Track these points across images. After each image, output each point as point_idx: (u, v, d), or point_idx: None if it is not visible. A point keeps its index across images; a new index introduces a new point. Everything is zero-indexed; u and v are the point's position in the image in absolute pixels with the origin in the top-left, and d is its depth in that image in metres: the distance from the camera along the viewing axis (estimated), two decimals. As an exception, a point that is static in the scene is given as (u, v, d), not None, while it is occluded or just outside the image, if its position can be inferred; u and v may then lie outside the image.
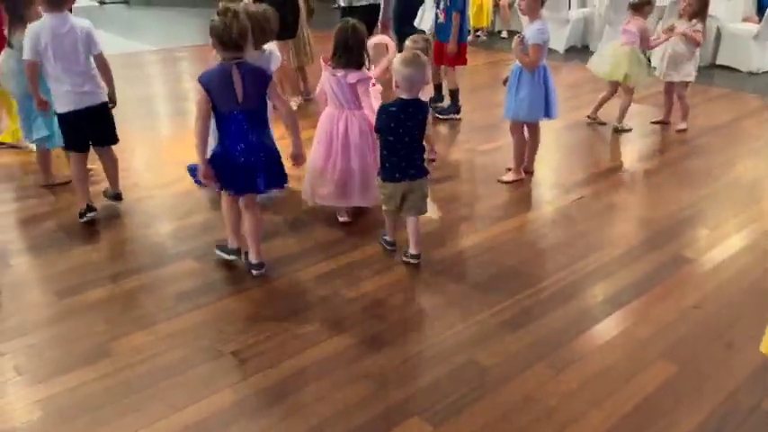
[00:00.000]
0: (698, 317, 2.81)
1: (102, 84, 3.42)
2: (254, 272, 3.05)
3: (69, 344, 2.56)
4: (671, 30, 5.08)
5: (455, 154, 4.82)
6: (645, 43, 5.07)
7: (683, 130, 5.19)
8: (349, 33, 3.28)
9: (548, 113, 4.07)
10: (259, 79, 2.80)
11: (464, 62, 5.44)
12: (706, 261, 3.30)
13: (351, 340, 2.61)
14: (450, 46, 5.23)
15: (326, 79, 3.40)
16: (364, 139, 3.42)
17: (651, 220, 3.76)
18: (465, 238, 3.49)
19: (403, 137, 3.01)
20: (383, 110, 3.05)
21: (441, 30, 5.31)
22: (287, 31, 4.95)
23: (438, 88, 5.69)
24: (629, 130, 5.25)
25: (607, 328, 2.73)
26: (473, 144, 4.93)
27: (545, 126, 4.33)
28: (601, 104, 5.37)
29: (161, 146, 4.18)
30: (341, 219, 3.59)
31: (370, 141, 3.42)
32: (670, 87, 5.24)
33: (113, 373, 2.39)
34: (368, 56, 3.41)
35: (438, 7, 5.29)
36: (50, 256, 3.22)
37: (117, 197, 3.72)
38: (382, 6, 6.06)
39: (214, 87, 2.74)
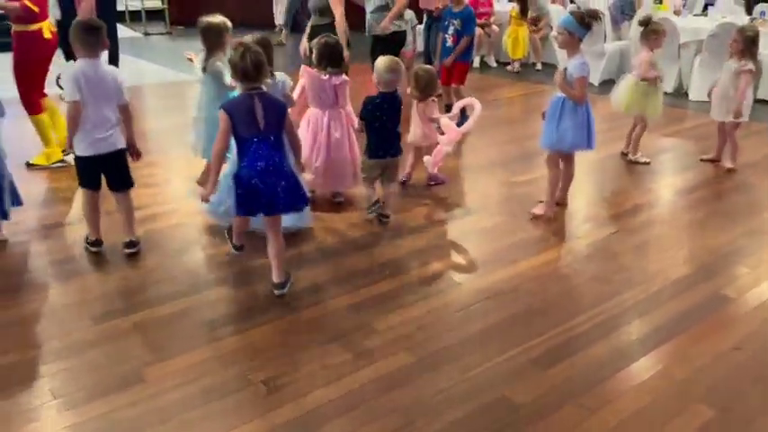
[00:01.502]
0: (738, 359, 2.73)
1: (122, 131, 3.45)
2: (276, 292, 3.12)
3: (104, 369, 2.60)
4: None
5: (488, 185, 4.82)
6: (642, 72, 5.03)
7: (732, 170, 5.07)
8: (332, 44, 3.94)
9: (589, 144, 4.06)
10: (277, 110, 2.98)
11: (462, 81, 5.79)
12: (747, 300, 3.20)
13: (380, 372, 2.59)
14: (447, 60, 5.62)
15: (311, 82, 3.98)
16: (344, 134, 4.05)
17: (689, 257, 3.68)
18: (497, 272, 3.46)
19: (386, 122, 3.81)
20: (369, 102, 3.81)
21: (448, 53, 5.64)
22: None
23: (449, 108, 5.79)
24: (647, 163, 5.18)
25: (643, 368, 2.67)
26: (507, 176, 4.92)
27: (580, 158, 4.30)
28: (630, 138, 5.34)
29: (198, 174, 4.28)
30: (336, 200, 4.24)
31: (347, 136, 4.08)
32: (722, 126, 5.11)
33: (146, 399, 2.42)
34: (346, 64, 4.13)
35: (446, 32, 5.58)
36: (87, 282, 3.30)
37: (131, 245, 3.51)
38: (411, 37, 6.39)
39: (237, 114, 2.88)
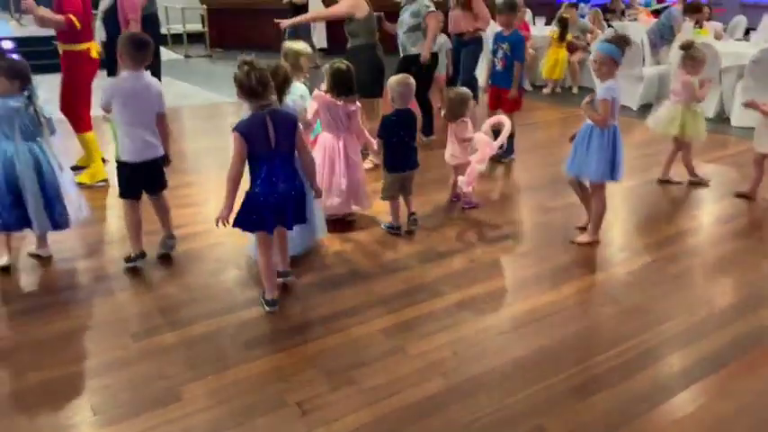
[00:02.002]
0: (785, 395, 2.64)
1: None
2: (280, 280, 3.38)
3: (142, 386, 2.64)
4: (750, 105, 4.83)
5: (522, 210, 4.78)
6: (691, 96, 4.95)
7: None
8: (344, 71, 3.98)
9: (612, 176, 3.96)
10: (288, 126, 3.03)
11: (519, 108, 5.69)
12: (793, 334, 3.10)
13: (415, 398, 2.58)
14: (512, 92, 5.45)
15: (325, 108, 4.05)
16: (357, 157, 4.22)
17: (731, 288, 3.59)
18: (533, 298, 3.42)
19: (403, 137, 4.03)
20: (386, 120, 4.03)
21: (498, 77, 5.54)
22: (363, 89, 5.05)
23: (497, 134, 5.75)
24: (707, 184, 5.09)
25: (684, 402, 2.60)
26: (541, 200, 4.88)
27: (614, 185, 4.24)
28: (669, 164, 5.26)
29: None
30: (349, 218, 4.33)
31: (360, 158, 4.27)
32: (760, 158, 4.89)
33: (182, 418, 2.45)
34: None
35: (496, 56, 5.48)
36: (127, 299, 3.36)
37: (170, 237, 3.82)
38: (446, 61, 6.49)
39: (250, 134, 2.95)
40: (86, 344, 2.95)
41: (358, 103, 4.16)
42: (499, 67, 5.49)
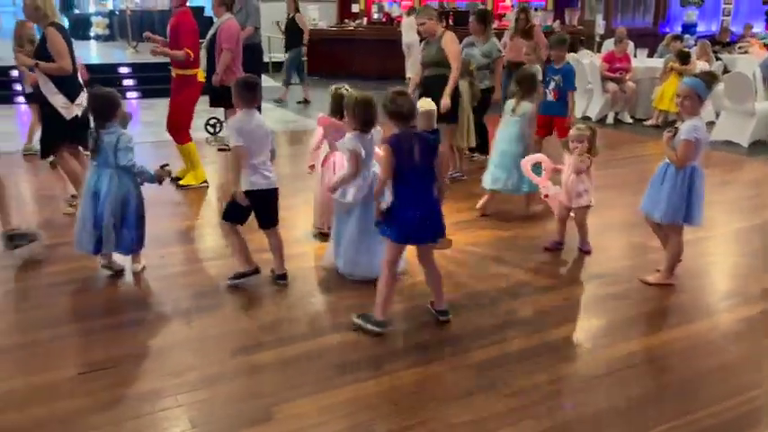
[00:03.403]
0: None
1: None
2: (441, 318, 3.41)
3: (237, 403, 2.71)
4: None
5: (620, 249, 4.60)
6: None
7: None
8: (340, 96, 4.05)
9: (688, 219, 3.72)
10: (431, 147, 3.23)
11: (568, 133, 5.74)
12: None
13: (506, 439, 2.51)
14: (570, 119, 5.59)
15: (333, 129, 4.12)
16: None
17: None
18: (630, 342, 3.26)
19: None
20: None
21: (549, 106, 5.74)
22: (444, 116, 5.17)
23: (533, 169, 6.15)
24: None
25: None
26: (640, 239, 4.68)
27: (722, 226, 4.00)
28: None
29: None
30: None
31: None
32: None
33: (274, 438, 2.50)
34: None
35: (548, 88, 5.74)
36: (227, 315, 3.48)
37: (283, 277, 3.82)
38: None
39: (400, 149, 3.12)
40: (187, 357, 3.07)
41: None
42: (551, 97, 5.73)
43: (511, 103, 5.08)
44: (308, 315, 3.49)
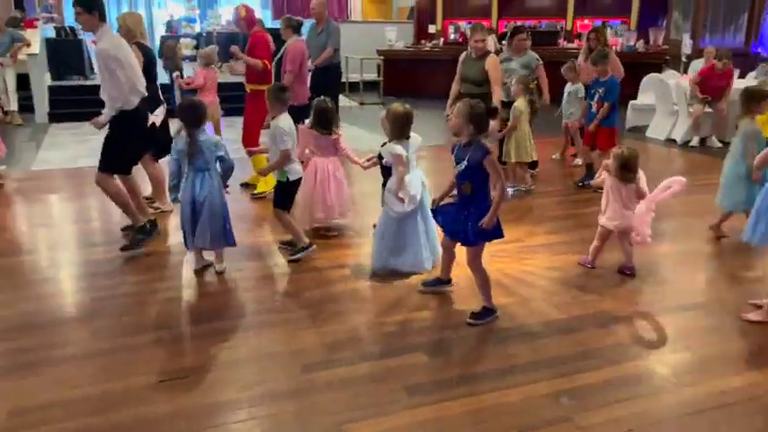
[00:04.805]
0: None
1: None
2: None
3: (306, 419, 2.71)
4: None
5: (707, 277, 4.34)
6: None
7: None
8: (324, 109, 4.76)
9: None
10: (480, 154, 3.39)
11: (613, 145, 5.59)
12: None
13: (583, 475, 2.38)
14: (591, 126, 6.22)
15: (314, 139, 4.84)
16: (342, 176, 4.97)
17: None
18: (720, 380, 3.04)
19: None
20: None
21: (592, 117, 6.26)
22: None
23: (589, 167, 6.45)
24: None
25: None
26: (729, 268, 4.40)
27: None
28: None
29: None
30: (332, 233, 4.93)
31: (343, 179, 5.02)
32: None
33: (341, 458, 2.46)
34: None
35: (592, 99, 6.27)
36: (296, 331, 3.49)
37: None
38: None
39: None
40: (256, 371, 3.09)
41: (338, 134, 4.86)
42: (594, 108, 6.24)
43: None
44: (376, 334, 3.45)
